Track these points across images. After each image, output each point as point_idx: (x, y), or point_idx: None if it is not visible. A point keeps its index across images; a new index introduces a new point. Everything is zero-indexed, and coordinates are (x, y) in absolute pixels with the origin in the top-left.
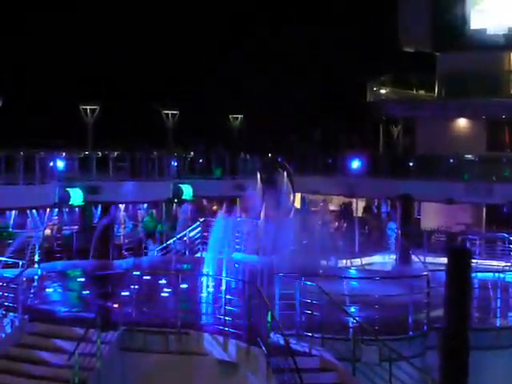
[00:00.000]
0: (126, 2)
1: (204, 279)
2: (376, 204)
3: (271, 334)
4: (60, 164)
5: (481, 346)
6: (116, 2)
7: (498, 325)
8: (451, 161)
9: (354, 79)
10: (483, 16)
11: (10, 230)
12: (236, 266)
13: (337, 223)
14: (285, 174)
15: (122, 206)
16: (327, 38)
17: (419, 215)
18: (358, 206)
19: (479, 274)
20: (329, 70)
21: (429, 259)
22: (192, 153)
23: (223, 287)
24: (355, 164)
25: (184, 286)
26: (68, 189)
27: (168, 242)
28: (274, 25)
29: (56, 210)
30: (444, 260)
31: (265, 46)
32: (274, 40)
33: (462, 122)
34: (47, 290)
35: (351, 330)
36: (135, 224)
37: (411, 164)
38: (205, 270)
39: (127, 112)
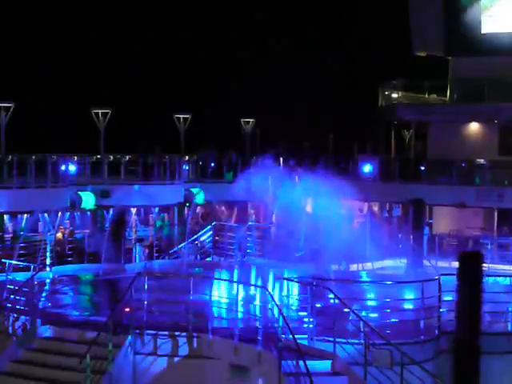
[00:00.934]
0: (136, 6)
1: (216, 283)
2: (388, 208)
3: (283, 338)
4: (72, 168)
5: (492, 350)
6: (127, 7)
7: (509, 329)
8: (463, 165)
9: (366, 83)
10: (494, 21)
11: (21, 233)
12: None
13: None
14: (296, 177)
15: (133, 210)
16: (340, 41)
17: (431, 219)
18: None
19: (491, 279)
20: (341, 74)
21: (440, 263)
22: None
23: (235, 291)
24: (367, 168)
25: (195, 289)
26: (80, 192)
27: (180, 246)
28: (283, 26)
29: (68, 213)
30: (456, 264)
31: (274, 47)
32: (283, 41)
33: (474, 127)
34: (59, 293)
35: (363, 333)
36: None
37: (423, 168)
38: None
39: (139, 116)
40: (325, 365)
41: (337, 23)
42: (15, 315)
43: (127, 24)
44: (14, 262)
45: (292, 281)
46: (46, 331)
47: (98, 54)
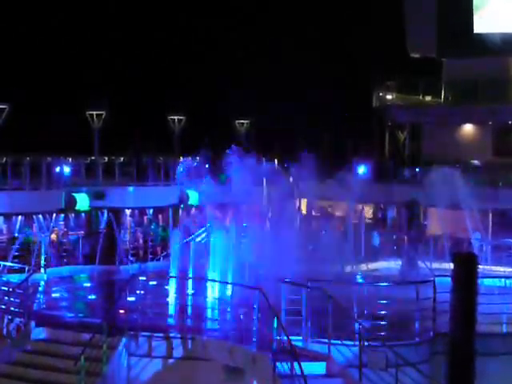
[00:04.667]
0: (133, 9)
1: (210, 285)
2: (382, 209)
3: (277, 340)
4: (66, 169)
5: (487, 351)
6: (123, 9)
7: (504, 331)
8: (457, 166)
9: (360, 84)
10: (486, 22)
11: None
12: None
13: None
14: (291, 179)
15: (127, 212)
16: (335, 42)
17: (425, 221)
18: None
19: (485, 280)
20: (336, 76)
21: (435, 265)
22: (197, 158)
23: (229, 293)
24: (362, 170)
25: (190, 291)
26: (74, 194)
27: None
28: (280, 29)
29: (62, 215)
30: (450, 266)
31: (272, 49)
32: (280, 44)
33: (468, 128)
34: (53, 295)
35: (357, 335)
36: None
37: (417, 169)
38: (211, 276)
39: (133, 117)
40: (320, 367)
41: (332, 25)
42: (9, 317)
43: (123, 25)
44: (8, 263)
45: (287, 282)
46: (41, 333)
47: (93, 56)
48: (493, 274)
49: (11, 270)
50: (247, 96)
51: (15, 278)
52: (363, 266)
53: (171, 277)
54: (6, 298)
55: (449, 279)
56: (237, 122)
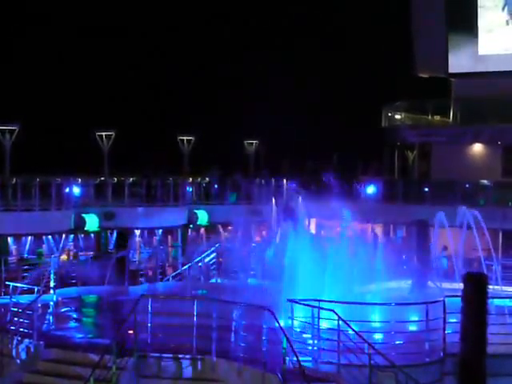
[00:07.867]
0: (142, 29)
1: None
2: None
3: (287, 360)
4: (76, 190)
5: (497, 372)
6: (131, 30)
7: None
8: (467, 186)
9: (369, 104)
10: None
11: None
12: (252, 291)
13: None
14: (299, 199)
15: (137, 232)
16: (343, 63)
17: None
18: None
19: (496, 300)
20: (345, 96)
21: (445, 285)
22: (207, 178)
23: (239, 313)
24: (371, 189)
25: (199, 311)
26: (83, 215)
27: (183, 268)
28: (288, 50)
29: (72, 235)
30: (460, 286)
31: (278, 70)
32: (287, 65)
33: (478, 148)
34: (63, 316)
35: (367, 356)
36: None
37: (427, 189)
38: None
39: (142, 138)
40: None
41: (341, 44)
42: (19, 338)
43: (133, 47)
44: (18, 284)
45: (296, 302)
46: (50, 354)
47: (102, 76)
48: (503, 294)
49: (21, 291)
50: (257, 116)
51: (25, 298)
52: (373, 286)
53: (180, 297)
54: (16, 318)
55: (459, 299)
56: (246, 142)
